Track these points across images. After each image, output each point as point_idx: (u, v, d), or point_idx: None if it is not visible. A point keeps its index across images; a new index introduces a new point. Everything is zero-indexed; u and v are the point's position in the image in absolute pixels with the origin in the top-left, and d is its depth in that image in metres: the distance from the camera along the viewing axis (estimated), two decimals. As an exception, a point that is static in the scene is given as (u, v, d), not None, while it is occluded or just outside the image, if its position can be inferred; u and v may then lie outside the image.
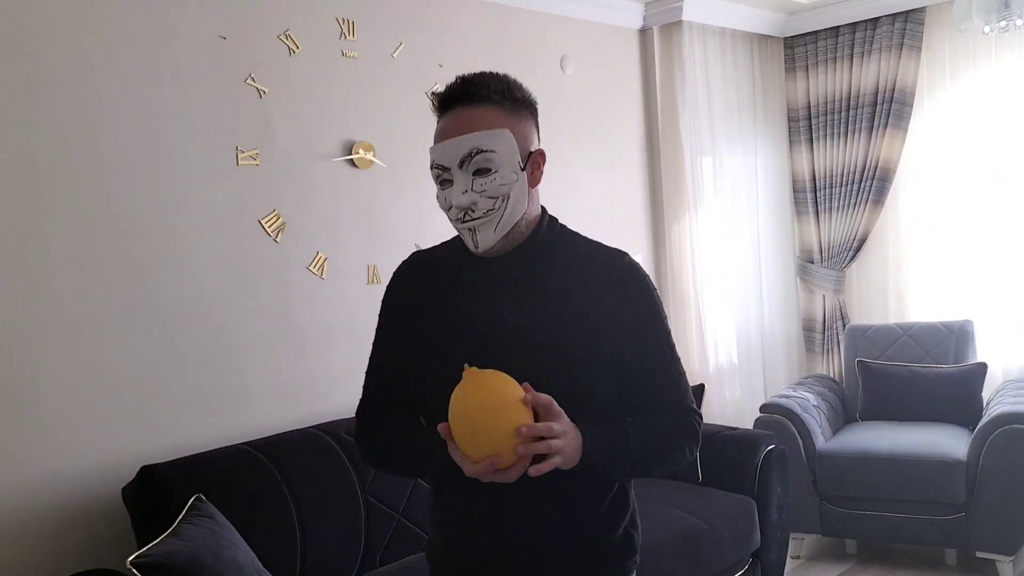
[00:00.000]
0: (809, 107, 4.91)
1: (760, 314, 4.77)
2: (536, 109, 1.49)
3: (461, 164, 1.38)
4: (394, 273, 1.59)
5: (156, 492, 2.47)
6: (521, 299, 1.42)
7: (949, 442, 3.71)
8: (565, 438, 1.28)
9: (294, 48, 3.00)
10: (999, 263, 4.39)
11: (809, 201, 4.94)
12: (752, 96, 4.81)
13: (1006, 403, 3.68)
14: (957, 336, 4.27)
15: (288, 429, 2.88)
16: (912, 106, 4.55)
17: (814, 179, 4.93)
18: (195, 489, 2.43)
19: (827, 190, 4.86)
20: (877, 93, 4.61)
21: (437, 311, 1.48)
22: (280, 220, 2.96)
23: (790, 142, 5.00)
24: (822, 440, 3.93)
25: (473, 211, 1.38)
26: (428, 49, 3.42)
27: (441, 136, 1.41)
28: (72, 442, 2.49)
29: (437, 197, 1.44)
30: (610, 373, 1.42)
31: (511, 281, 1.44)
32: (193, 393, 2.75)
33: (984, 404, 4.01)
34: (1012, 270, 4.36)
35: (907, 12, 4.48)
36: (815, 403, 4.09)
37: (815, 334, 4.95)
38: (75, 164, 2.51)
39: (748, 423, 4.09)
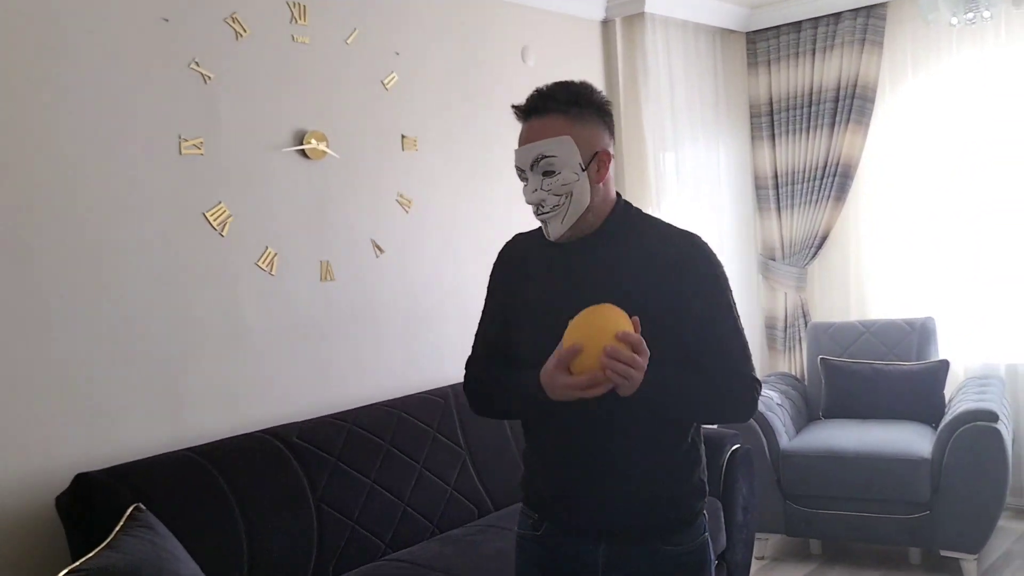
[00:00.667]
0: (771, 102, 4.87)
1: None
2: (607, 112, 1.69)
3: (532, 167, 1.63)
4: (500, 251, 1.86)
5: (92, 501, 2.32)
6: (596, 274, 1.65)
7: (913, 440, 3.68)
8: (639, 372, 1.46)
9: (241, 32, 2.84)
10: (961, 260, 4.39)
11: (771, 198, 4.90)
12: (715, 91, 4.75)
13: (969, 400, 3.67)
14: (919, 333, 4.25)
15: (235, 434, 2.73)
16: (874, 102, 4.53)
17: (776, 176, 4.89)
18: (134, 498, 2.28)
19: (789, 187, 4.82)
20: (839, 89, 4.58)
21: (529, 283, 1.73)
22: (226, 213, 2.81)
23: (752, 138, 4.96)
24: (786, 439, 3.88)
25: (543, 206, 1.63)
26: (384, 36, 3.29)
27: (520, 143, 1.67)
28: (0, 448, 2.33)
29: (524, 192, 1.68)
30: (674, 338, 1.59)
31: (588, 260, 1.66)
32: (133, 396, 2.59)
33: (946, 401, 3.99)
34: (973, 267, 4.35)
35: (869, 7, 4.45)
36: (779, 401, 4.05)
37: (777, 332, 4.92)
38: (2, 151, 2.33)
39: (711, 422, 4.02)
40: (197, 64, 2.75)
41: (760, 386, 1.67)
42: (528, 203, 1.65)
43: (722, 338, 1.64)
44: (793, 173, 4.80)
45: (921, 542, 3.60)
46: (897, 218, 4.60)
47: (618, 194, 1.73)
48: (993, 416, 3.45)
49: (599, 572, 1.68)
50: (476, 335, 1.84)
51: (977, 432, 3.44)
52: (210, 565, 2.32)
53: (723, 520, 3.21)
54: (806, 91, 4.72)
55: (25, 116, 2.38)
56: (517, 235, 1.86)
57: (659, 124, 4.32)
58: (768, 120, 4.88)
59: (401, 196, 3.35)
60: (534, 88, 1.67)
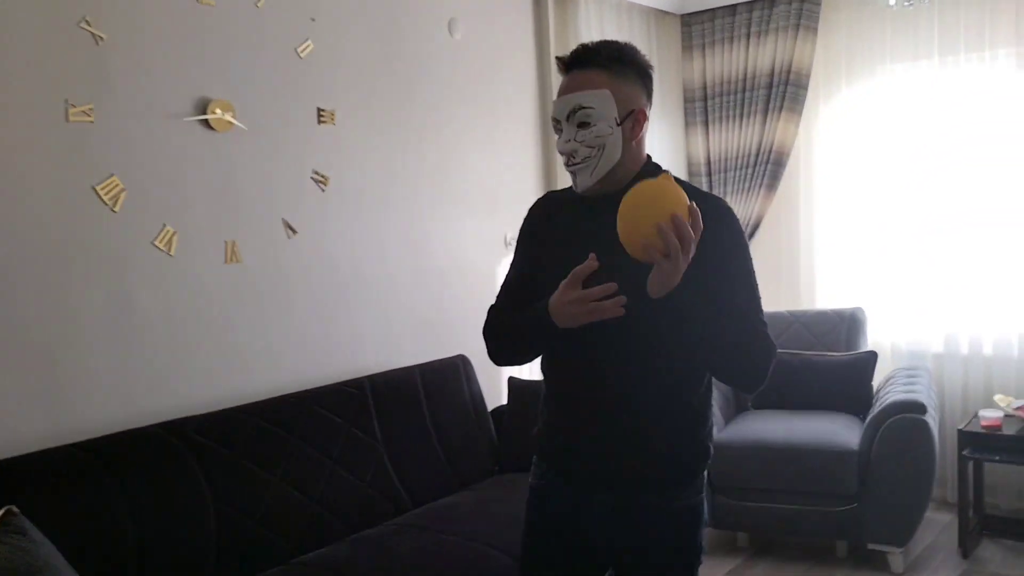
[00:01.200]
0: (705, 87, 4.78)
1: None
2: (648, 75, 1.71)
3: (568, 117, 1.66)
4: (530, 208, 1.88)
5: (-43, 505, 2.08)
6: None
7: (840, 432, 3.64)
8: (685, 255, 1.46)
9: (138, -11, 2.60)
10: (890, 249, 4.37)
11: (704, 185, 4.81)
12: (648, 74, 4.63)
13: (897, 392, 3.63)
14: (848, 323, 4.22)
15: (126, 428, 2.50)
16: (807, 89, 4.47)
17: (709, 162, 4.81)
18: (6, 500, 2.04)
19: (722, 173, 4.74)
20: (773, 75, 4.51)
21: (555, 238, 1.77)
22: (119, 187, 2.57)
23: (686, 123, 4.86)
24: (716, 430, 3.80)
25: (575, 157, 1.66)
26: (298, 0, 3.07)
27: (559, 93, 1.70)
28: None
29: (556, 144, 1.72)
30: (699, 289, 1.57)
31: (613, 217, 1.58)
32: (11, 385, 2.34)
33: (874, 392, 3.97)
34: (902, 257, 4.34)
35: (804, -8, 4.39)
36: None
37: (708, 321, 4.84)
38: None
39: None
40: (88, 23, 2.50)
41: (776, 355, 1.67)
42: (561, 152, 1.69)
43: (745, 302, 1.66)
44: (726, 159, 4.72)
45: (848, 535, 3.56)
46: (828, 207, 4.57)
47: (648, 156, 1.75)
48: (922, 408, 3.42)
49: (598, 521, 1.74)
50: (502, 286, 1.88)
51: (905, 424, 3.41)
52: (93, 575, 2.11)
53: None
54: (740, 76, 4.64)
55: None
56: (550, 192, 1.93)
57: (591, 106, 4.17)
58: (702, 105, 4.79)
59: (317, 173, 3.14)
60: (579, 44, 1.71)
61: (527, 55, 4.12)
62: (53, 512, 2.16)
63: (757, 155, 4.59)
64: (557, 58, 1.72)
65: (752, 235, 4.67)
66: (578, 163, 1.65)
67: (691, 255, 1.47)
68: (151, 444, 2.45)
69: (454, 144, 3.70)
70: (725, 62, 4.69)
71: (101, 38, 2.53)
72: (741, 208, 4.66)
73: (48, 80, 2.42)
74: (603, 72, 1.64)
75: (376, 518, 2.88)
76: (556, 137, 1.70)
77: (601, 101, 1.63)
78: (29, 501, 2.09)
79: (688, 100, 4.83)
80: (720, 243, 1.62)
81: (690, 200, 1.50)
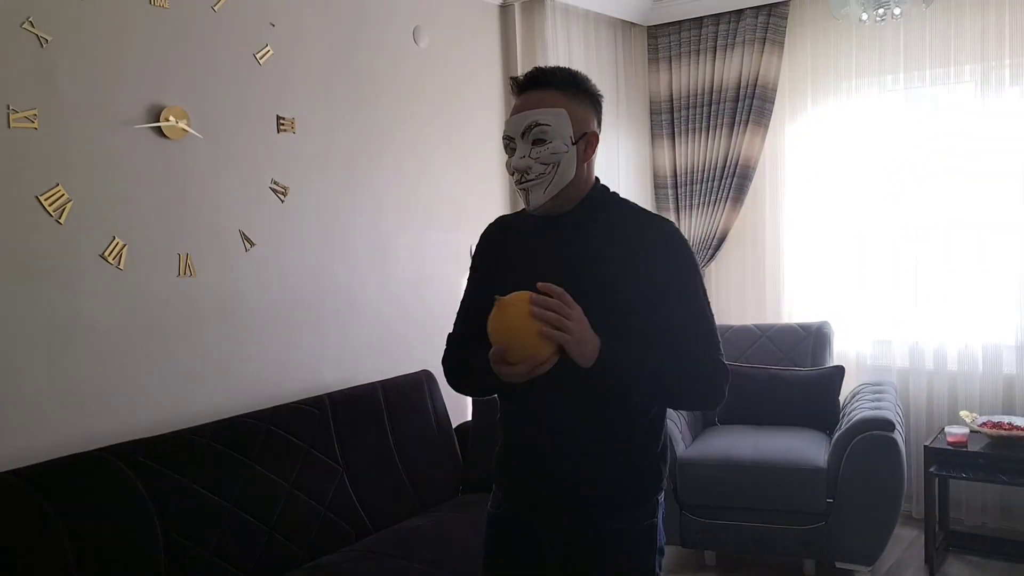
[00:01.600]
0: (672, 99, 4.75)
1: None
2: (599, 102, 1.74)
3: (523, 134, 1.67)
4: (483, 232, 1.88)
5: None
6: (571, 252, 1.69)
7: (809, 448, 3.60)
8: (575, 319, 1.50)
9: (86, -11, 2.47)
10: (855, 264, 4.37)
11: (670, 197, 4.78)
12: (615, 85, 4.59)
13: (864, 408, 3.61)
14: (815, 338, 4.20)
15: (69, 453, 2.36)
16: (773, 102, 4.46)
17: (675, 174, 4.77)
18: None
19: (688, 186, 4.71)
20: (739, 88, 4.49)
21: (510, 261, 1.78)
22: (64, 197, 2.43)
23: (652, 135, 4.82)
24: (683, 446, 3.75)
25: (528, 173, 1.66)
26: (257, 5, 2.96)
27: (513, 113, 1.70)
28: None
29: (506, 164, 1.72)
30: (645, 321, 1.62)
31: (564, 238, 1.70)
32: (-59, 410, 2.19)
33: (840, 407, 3.94)
34: (867, 271, 4.34)
35: (771, 5, 4.37)
36: (676, 408, 3.91)
37: (674, 334, 4.80)
38: None
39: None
40: (31, 24, 2.37)
41: (729, 374, 1.68)
42: (513, 170, 1.67)
43: (693, 323, 1.67)
44: (692, 172, 4.69)
45: (816, 553, 3.52)
46: (796, 220, 4.55)
47: (596, 179, 1.76)
48: (889, 425, 3.39)
49: (551, 548, 1.73)
50: (458, 311, 1.89)
51: (874, 441, 3.38)
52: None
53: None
54: (706, 89, 4.61)
55: None
56: (501, 217, 1.91)
57: (558, 117, 4.11)
58: (668, 118, 4.76)
59: (276, 183, 3.02)
60: (533, 67, 1.74)
61: (493, 65, 4.05)
62: (-11, 544, 2.02)
63: (723, 168, 4.56)
64: (512, 78, 1.73)
65: (718, 248, 4.64)
66: (532, 180, 1.65)
67: (574, 318, 1.50)
68: (96, 469, 2.31)
69: (419, 155, 3.60)
70: (691, 74, 4.66)
71: (46, 40, 2.41)
72: (706, 221, 4.63)
73: (-12, 83, 2.29)
74: (559, 93, 1.67)
75: (336, 543, 2.77)
76: (507, 157, 1.70)
77: (558, 119, 1.65)
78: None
79: (654, 112, 4.79)
80: (664, 265, 1.65)
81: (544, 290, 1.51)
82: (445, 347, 1.87)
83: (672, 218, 4.76)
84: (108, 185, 2.54)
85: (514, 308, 1.51)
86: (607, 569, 1.72)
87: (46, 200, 2.40)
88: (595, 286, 1.62)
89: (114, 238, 2.55)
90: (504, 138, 1.71)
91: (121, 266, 2.57)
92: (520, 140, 1.66)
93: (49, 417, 2.40)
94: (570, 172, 1.66)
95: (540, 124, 1.64)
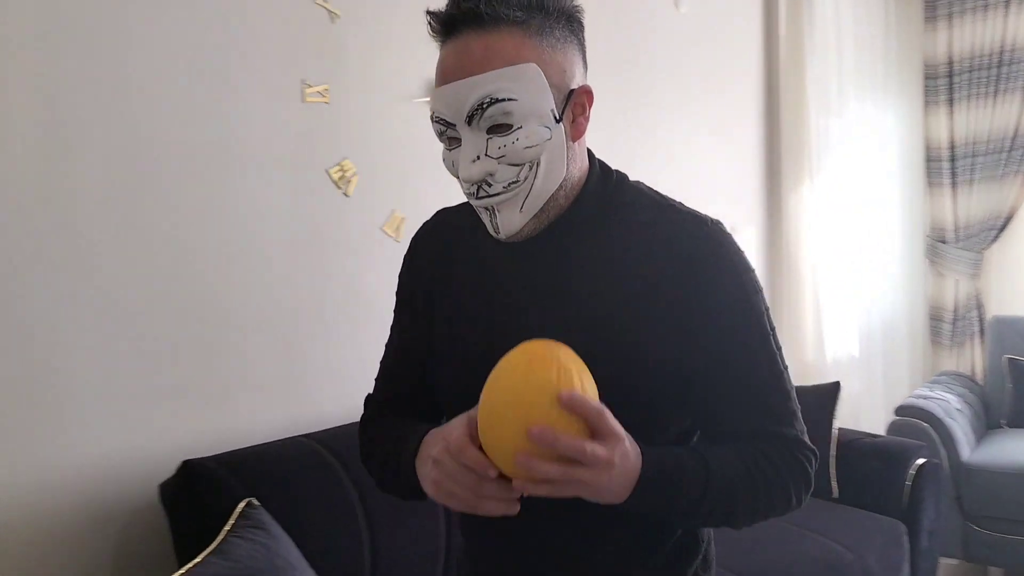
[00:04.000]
0: (951, 62, 4.28)
1: (882, 299, 4.18)
2: (580, 23, 1.04)
3: (469, 119, 0.98)
4: (412, 239, 1.25)
5: (199, 491, 2.03)
6: (556, 283, 1.06)
7: None
8: (601, 469, 0.86)
9: (373, -35, 2.50)
10: None
11: (945, 171, 4.31)
12: (885, 47, 4.19)
13: None
14: None
15: (350, 421, 2.42)
16: (1081, 62, 3.90)
17: (952, 146, 4.30)
18: (245, 491, 2.00)
19: (969, 159, 4.23)
20: (1037, 46, 3.96)
21: (456, 289, 1.14)
22: (352, 170, 2.49)
23: (926, 103, 4.37)
24: (968, 451, 3.36)
25: (490, 184, 1.00)
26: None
27: (442, 77, 1.00)
28: (101, 430, 2.06)
29: (443, 159, 1.06)
30: (678, 387, 1.02)
31: (546, 260, 1.07)
32: (247, 374, 2.30)
33: None
34: None
35: (1083, -51, 3.81)
36: (958, 406, 3.52)
37: (943, 324, 4.35)
38: (107, 126, 2.05)
39: (870, 425, 3.54)
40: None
41: (816, 457, 1.05)
42: (464, 179, 1.01)
43: (760, 381, 1.03)
44: (975, 144, 4.20)
45: None
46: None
47: (590, 153, 1.11)
48: None
49: None
50: (381, 362, 1.26)
51: None
52: (327, 570, 2.03)
53: (907, 546, 2.75)
54: (995, 49, 4.11)
55: (127, 82, 2.08)
56: (440, 212, 1.25)
57: (823, 85, 3.80)
58: (946, 82, 4.29)
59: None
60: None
61: (754, 27, 3.81)
62: (288, 504, 2.09)
63: (1014, 139, 4.04)
64: (428, 12, 1.00)
65: (1002, 229, 4.13)
66: (497, 194, 1.01)
67: (611, 470, 0.87)
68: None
69: (676, 129, 3.44)
70: (977, 32, 4.17)
71: (336, 15, 2.45)
72: (990, 199, 4.14)
73: (285, 59, 2.36)
74: (519, 31, 0.96)
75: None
76: (444, 149, 1.05)
77: (526, 85, 0.96)
78: (267, 493, 2.04)
79: (929, 76, 4.34)
80: (713, 302, 1.01)
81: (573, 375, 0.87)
82: (362, 415, 1.27)
83: (947, 195, 4.29)
84: (390, 159, 2.57)
85: (522, 372, 0.87)
86: None
87: (335, 173, 2.46)
88: (593, 336, 1.00)
89: (393, 211, 2.59)
90: (435, 122, 1.02)
91: (399, 239, 2.60)
92: (466, 128, 0.99)
93: (332, 386, 2.48)
94: (560, 169, 1.02)
95: (498, 100, 0.96)
